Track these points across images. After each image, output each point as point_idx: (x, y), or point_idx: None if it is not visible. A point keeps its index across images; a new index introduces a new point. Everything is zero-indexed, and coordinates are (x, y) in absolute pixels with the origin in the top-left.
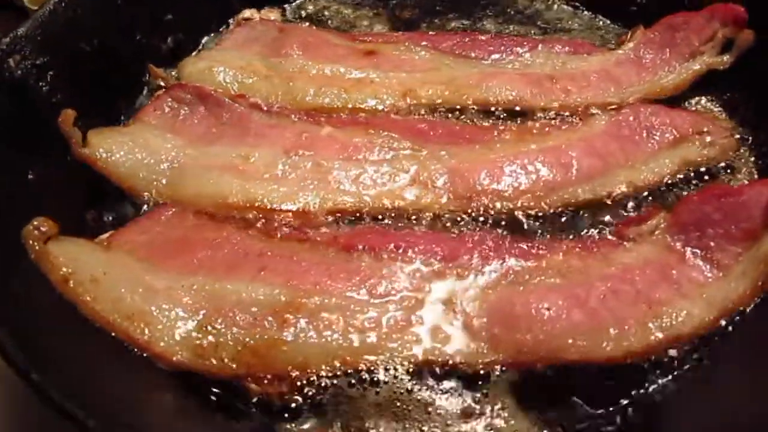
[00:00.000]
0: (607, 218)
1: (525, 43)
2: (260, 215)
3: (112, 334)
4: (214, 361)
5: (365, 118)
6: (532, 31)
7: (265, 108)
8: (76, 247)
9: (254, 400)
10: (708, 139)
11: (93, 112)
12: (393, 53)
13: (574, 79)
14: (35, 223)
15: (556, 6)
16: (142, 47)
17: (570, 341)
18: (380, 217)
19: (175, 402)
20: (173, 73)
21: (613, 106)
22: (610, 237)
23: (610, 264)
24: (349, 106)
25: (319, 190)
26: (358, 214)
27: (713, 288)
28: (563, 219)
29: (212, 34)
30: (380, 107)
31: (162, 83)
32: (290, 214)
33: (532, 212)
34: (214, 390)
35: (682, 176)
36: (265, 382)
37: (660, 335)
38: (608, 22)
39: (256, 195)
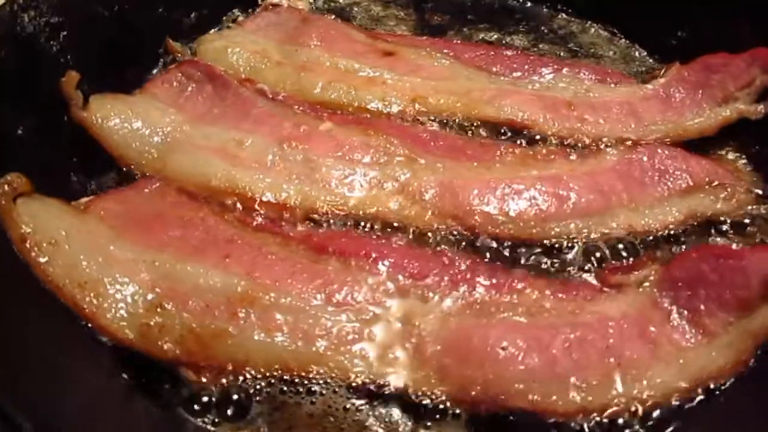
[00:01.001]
0: (595, 260)
1: (550, 64)
2: (239, 202)
3: (60, 301)
4: (157, 343)
5: (368, 119)
6: (561, 53)
7: (270, 95)
8: (45, 208)
9: (183, 391)
10: (724, 193)
11: (101, 79)
12: (411, 57)
13: (594, 108)
14: (8, 178)
15: (593, 30)
16: (162, 19)
17: (520, 387)
18: (361, 223)
19: (102, 379)
20: (190, 48)
21: (629, 143)
22: (593, 281)
23: (585, 311)
24: (355, 104)
25: (303, 186)
26: (338, 217)
27: (692, 354)
28: (549, 253)
29: (239, 15)
30: (386, 110)
31: (178, 58)
32: (269, 205)
33: (518, 241)
34: (147, 373)
35: (685, 228)
36: (202, 372)
37: (623, 397)
38: (645, 53)
39: (239, 181)
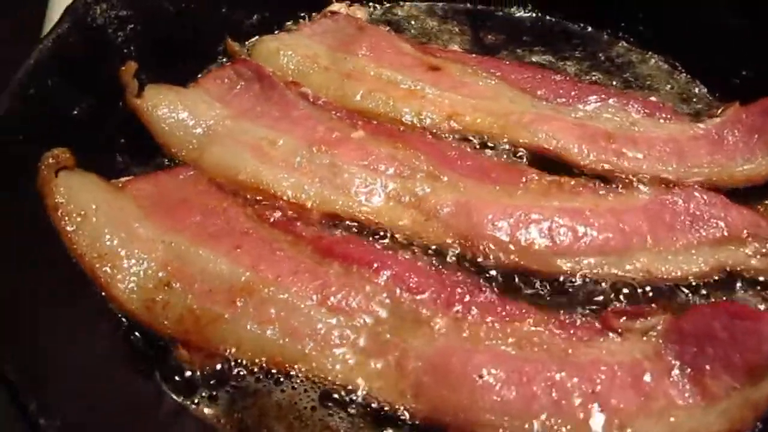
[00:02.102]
0: (601, 301)
1: (597, 93)
2: (261, 198)
3: (80, 268)
4: (159, 318)
5: (399, 132)
6: (614, 82)
7: (311, 99)
8: (82, 182)
9: (171, 367)
10: (764, 248)
11: (159, 71)
12: (456, 73)
13: (636, 142)
14: (54, 152)
15: (653, 61)
16: (224, 19)
17: (491, 418)
18: (372, 232)
19: (101, 344)
20: (246, 48)
21: (666, 183)
22: (595, 322)
23: (578, 351)
24: (391, 115)
25: (324, 189)
26: (350, 223)
27: (684, 415)
28: (554, 287)
29: (300, 19)
30: (420, 124)
31: (234, 57)
32: (288, 204)
33: (526, 271)
34: (143, 346)
35: (708, 279)
36: (194, 353)
37: None
38: (705, 90)
39: (264, 178)
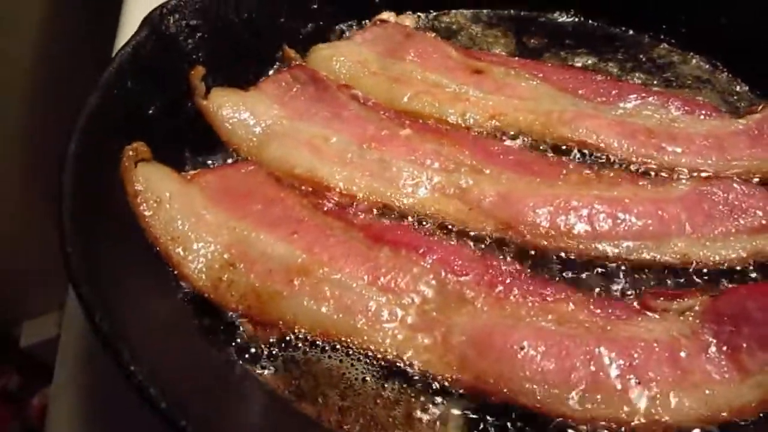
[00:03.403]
0: (640, 283)
1: (638, 92)
2: (315, 189)
3: (155, 249)
4: (225, 295)
5: (445, 130)
6: (655, 82)
7: (362, 101)
8: (158, 172)
9: (238, 339)
10: None
11: (224, 75)
12: (499, 76)
13: (675, 138)
14: (134, 145)
15: (694, 61)
16: (283, 28)
17: (531, 386)
18: (419, 221)
19: (175, 318)
20: (302, 55)
21: (705, 176)
22: (633, 303)
23: (617, 328)
24: (436, 115)
25: (374, 182)
26: (398, 212)
27: (720, 388)
28: (594, 270)
29: (351, 28)
30: (464, 124)
31: (291, 62)
32: (340, 195)
33: (565, 256)
34: (212, 320)
35: (748, 265)
36: (257, 326)
37: (637, 414)
38: (746, 88)
39: (318, 171)
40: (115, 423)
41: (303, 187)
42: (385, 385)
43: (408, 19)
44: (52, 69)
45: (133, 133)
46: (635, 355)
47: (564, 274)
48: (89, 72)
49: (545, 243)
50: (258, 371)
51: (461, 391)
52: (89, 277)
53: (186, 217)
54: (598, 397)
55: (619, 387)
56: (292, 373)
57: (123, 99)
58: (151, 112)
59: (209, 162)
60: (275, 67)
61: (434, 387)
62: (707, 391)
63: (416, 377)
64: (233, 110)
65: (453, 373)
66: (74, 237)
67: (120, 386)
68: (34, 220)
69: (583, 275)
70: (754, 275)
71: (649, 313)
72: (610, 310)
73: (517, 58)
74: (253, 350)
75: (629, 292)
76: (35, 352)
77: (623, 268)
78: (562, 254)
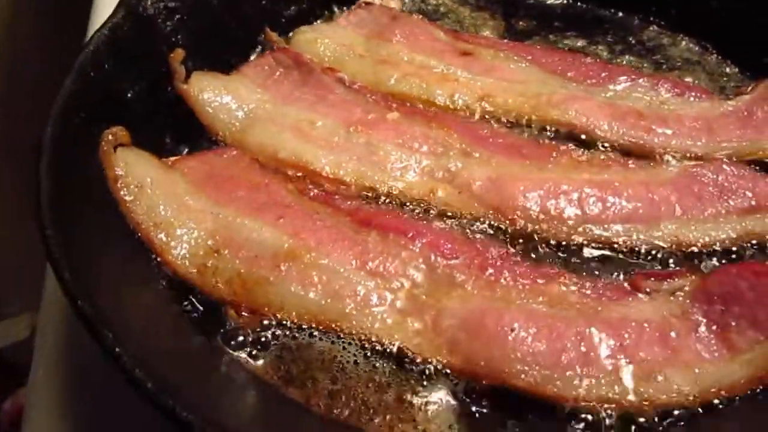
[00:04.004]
0: (631, 265)
1: (627, 74)
2: (301, 174)
3: (138, 235)
4: (210, 282)
5: (433, 113)
6: (645, 64)
7: (348, 84)
8: (138, 158)
9: (224, 326)
10: None
11: (204, 58)
12: (488, 58)
13: (665, 120)
14: (113, 130)
15: (683, 43)
16: (265, 11)
17: (522, 368)
18: (407, 205)
19: (160, 305)
20: (285, 38)
21: (695, 158)
22: (624, 284)
23: (608, 310)
24: (424, 97)
25: (361, 166)
26: (387, 197)
27: (710, 366)
28: (584, 253)
29: (336, 11)
30: (452, 106)
31: (273, 45)
32: (327, 179)
33: (554, 241)
34: (197, 306)
35: (739, 246)
36: (243, 312)
37: (628, 393)
38: (736, 70)
39: (304, 156)
40: (92, 421)
41: (288, 172)
42: (377, 368)
43: (394, 2)
44: (23, 54)
45: (111, 117)
46: (626, 336)
47: (555, 257)
48: (62, 57)
49: (536, 227)
50: (245, 357)
51: (452, 374)
52: (70, 262)
53: (168, 203)
54: (590, 377)
55: (610, 367)
56: (282, 358)
57: (100, 82)
58: (129, 95)
59: (190, 147)
60: (257, 50)
61: (425, 371)
62: (697, 370)
63: (407, 361)
64: (215, 94)
65: (444, 356)
66: (54, 221)
67: (99, 383)
68: (4, 220)
69: (574, 258)
70: (743, 256)
71: (639, 294)
72: (601, 292)
73: (505, 41)
74: (240, 337)
75: (620, 275)
76: (4, 355)
77: (614, 251)
78: (553, 238)
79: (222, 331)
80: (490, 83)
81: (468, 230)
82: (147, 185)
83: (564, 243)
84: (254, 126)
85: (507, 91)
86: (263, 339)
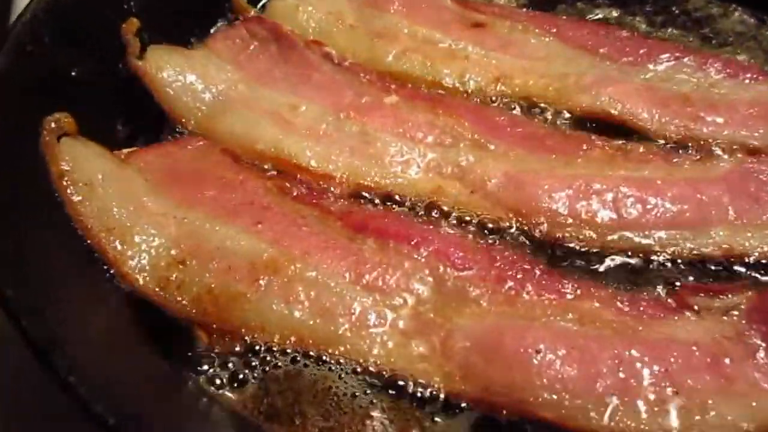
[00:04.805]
0: (675, 278)
1: (671, 51)
2: (283, 170)
3: (87, 242)
4: (174, 298)
5: (440, 96)
6: (690, 39)
7: (336, 61)
8: (86, 150)
9: (192, 351)
10: None
11: (163, 30)
12: (503, 31)
13: (715, 107)
14: (56, 116)
15: (736, 14)
16: None
17: (549, 397)
18: (410, 206)
19: (121, 326)
20: (260, 6)
21: (751, 152)
22: (667, 300)
23: (649, 329)
24: (429, 78)
25: (354, 159)
26: (385, 196)
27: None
28: (621, 265)
29: None
30: (462, 88)
31: (245, 15)
32: (313, 175)
33: (585, 249)
34: (159, 328)
35: None
36: (215, 335)
37: (667, 427)
38: None
39: (286, 147)
40: None
41: (267, 167)
42: (376, 401)
43: None
44: None
45: (53, 100)
46: (671, 360)
47: (585, 268)
48: None
49: (562, 232)
50: (219, 389)
51: (466, 405)
52: (12, 275)
53: (123, 205)
54: (629, 408)
55: (652, 397)
56: (264, 389)
57: (39, 59)
58: (74, 74)
59: (148, 138)
60: (226, 20)
61: (434, 402)
62: (755, 403)
63: (412, 391)
64: (176, 73)
65: (456, 384)
66: None
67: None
68: None
69: (608, 269)
70: None
71: (686, 311)
72: (641, 308)
73: (525, 10)
74: (212, 364)
75: (663, 289)
76: None
77: (655, 261)
78: (583, 246)
79: (190, 356)
80: (507, 61)
81: (482, 236)
82: (97, 183)
83: (596, 251)
84: (225, 111)
85: (527, 71)
86: (240, 367)
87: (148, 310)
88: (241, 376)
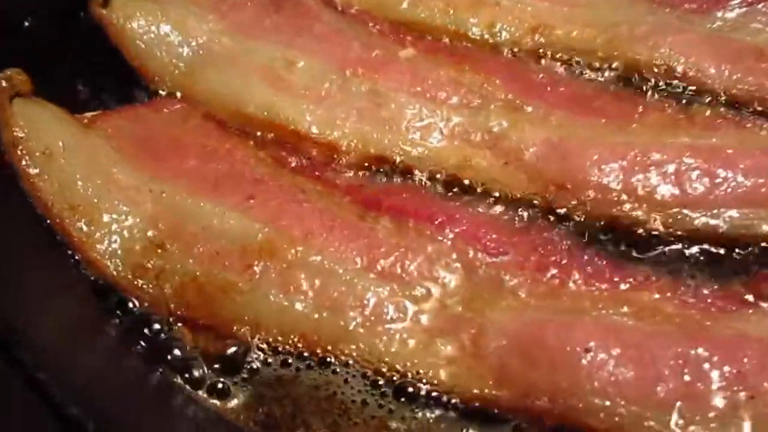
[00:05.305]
0: (750, 264)
1: None
2: (277, 136)
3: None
4: (152, 289)
5: (465, 49)
6: None
7: (340, 8)
8: (43, 113)
9: (175, 352)
10: None
11: None
12: None
13: None
14: (8, 73)
15: None
16: None
17: (602, 403)
18: (431, 180)
19: (90, 322)
20: None
21: None
22: (740, 290)
23: (719, 324)
24: (452, 29)
25: (363, 124)
26: (402, 168)
27: None
28: (683, 251)
29: None
30: (493, 40)
31: None
32: (314, 144)
33: (642, 230)
34: (135, 323)
35: None
36: (201, 333)
37: None
38: None
39: (282, 110)
40: None
41: (260, 134)
42: (394, 410)
43: None
44: None
45: (3, 56)
46: (744, 360)
47: (642, 253)
48: None
49: (614, 211)
50: (207, 395)
51: (501, 413)
52: None
53: (89, 178)
54: (695, 416)
55: (723, 403)
56: (260, 396)
57: None
58: (27, 25)
59: (116, 99)
60: None
61: (463, 411)
62: None
63: (437, 398)
64: (148, 23)
65: (490, 389)
66: None
67: None
68: None
69: (669, 255)
70: None
71: (762, 303)
72: (708, 300)
73: None
74: (199, 366)
75: (735, 278)
76: None
77: (725, 244)
78: (639, 227)
79: (174, 358)
80: (545, 8)
81: (519, 215)
82: (58, 152)
83: (655, 234)
84: (206, 67)
85: (570, 19)
86: (232, 369)
87: (122, 303)
88: (232, 382)
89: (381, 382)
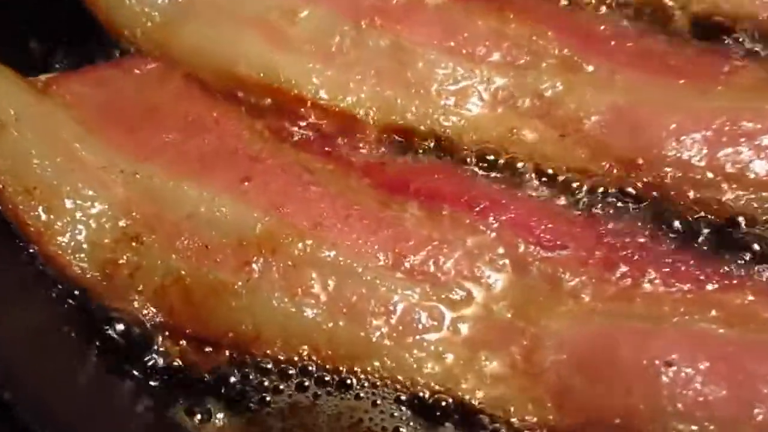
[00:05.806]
0: None
1: None
2: (277, 103)
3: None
4: (126, 291)
5: None
6: None
7: None
8: None
9: (157, 369)
10: None
11: None
12: None
13: None
14: None
15: None
16: None
17: (687, 428)
18: (468, 158)
19: (51, 328)
20: None
21: None
22: None
23: None
24: None
25: (384, 88)
26: (433, 142)
27: None
28: None
29: None
30: None
31: None
32: (324, 112)
33: (735, 216)
34: (107, 333)
35: None
36: (188, 345)
37: None
38: None
39: (282, 70)
40: None
41: (253, 100)
42: None
43: None
44: None
45: None
46: None
47: (734, 248)
48: None
49: (698, 195)
50: (197, 421)
51: None
52: None
53: (47, 155)
54: None
55: None
56: (262, 423)
57: None
58: None
59: (76, 58)
60: None
61: None
62: None
63: (481, 423)
64: None
65: (547, 414)
66: None
67: None
68: None
69: (766, 248)
70: None
71: None
72: None
73: None
74: (186, 385)
75: None
76: None
77: None
78: (729, 214)
79: (158, 377)
80: None
81: (579, 200)
82: (10, 123)
83: (749, 220)
84: (186, 19)
85: None
86: (224, 389)
87: (90, 307)
88: (226, 405)
89: (413, 406)
